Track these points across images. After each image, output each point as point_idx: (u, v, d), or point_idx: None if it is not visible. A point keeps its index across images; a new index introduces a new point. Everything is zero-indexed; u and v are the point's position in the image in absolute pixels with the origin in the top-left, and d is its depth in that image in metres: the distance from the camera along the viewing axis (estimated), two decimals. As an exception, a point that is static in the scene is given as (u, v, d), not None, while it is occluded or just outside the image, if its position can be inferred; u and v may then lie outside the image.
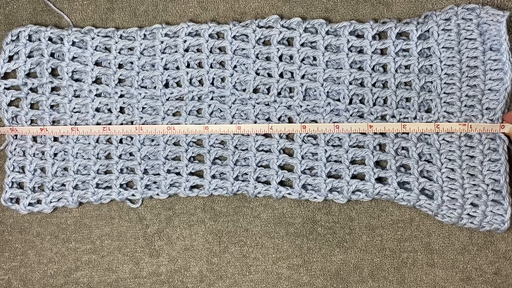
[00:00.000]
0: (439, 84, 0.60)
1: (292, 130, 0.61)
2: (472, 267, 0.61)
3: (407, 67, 0.61)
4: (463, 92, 0.60)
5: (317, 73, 0.61)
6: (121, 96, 0.62)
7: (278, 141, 0.61)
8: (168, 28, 0.62)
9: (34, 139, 0.62)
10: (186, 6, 0.64)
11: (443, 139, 0.60)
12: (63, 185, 0.62)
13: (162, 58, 0.61)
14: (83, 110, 0.62)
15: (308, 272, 0.62)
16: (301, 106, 0.61)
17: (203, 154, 0.61)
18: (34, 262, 0.63)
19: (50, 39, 0.62)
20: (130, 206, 0.62)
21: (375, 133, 0.60)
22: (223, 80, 0.62)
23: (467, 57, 0.60)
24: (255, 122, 0.61)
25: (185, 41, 0.61)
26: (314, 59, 0.62)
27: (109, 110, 0.62)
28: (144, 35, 0.62)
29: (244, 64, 0.61)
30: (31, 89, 0.62)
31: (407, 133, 0.60)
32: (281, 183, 0.61)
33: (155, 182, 0.62)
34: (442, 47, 0.60)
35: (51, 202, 0.61)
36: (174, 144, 0.62)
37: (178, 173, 0.61)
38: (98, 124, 0.62)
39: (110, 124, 0.62)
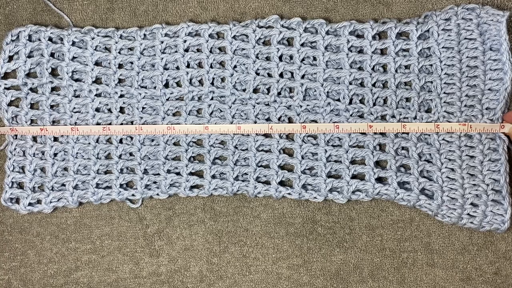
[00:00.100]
0: (439, 84, 0.60)
1: (292, 130, 0.61)
2: (472, 267, 0.61)
3: (407, 67, 0.61)
4: (463, 92, 0.60)
5: (317, 73, 0.61)
6: (121, 96, 0.62)
7: (278, 141, 0.61)
8: (168, 28, 0.62)
9: (34, 139, 0.62)
10: (186, 6, 0.64)
11: (443, 139, 0.60)
12: (63, 185, 0.62)
13: (162, 58, 0.61)
14: (83, 110, 0.62)
15: (308, 272, 0.62)
16: (301, 106, 0.61)
17: (203, 154, 0.61)
18: (34, 262, 0.63)
19: (50, 39, 0.62)
20: (130, 206, 0.62)
21: (375, 133, 0.60)
22: (223, 80, 0.62)
23: (467, 57, 0.60)
24: (255, 122, 0.61)
25: (185, 41, 0.61)
26: (314, 59, 0.62)
27: (109, 110, 0.62)
28: (144, 35, 0.62)
29: (244, 64, 0.61)
30: (31, 89, 0.62)
31: (407, 133, 0.60)
32: (281, 183, 0.61)
33: (155, 182, 0.62)
34: (442, 47, 0.60)
35: (51, 202, 0.61)
36: (174, 144, 0.62)
37: (178, 173, 0.61)
38: (98, 124, 0.62)
39: (110, 124, 0.62)
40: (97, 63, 0.62)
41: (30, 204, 0.61)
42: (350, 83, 0.61)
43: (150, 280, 0.62)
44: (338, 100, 0.61)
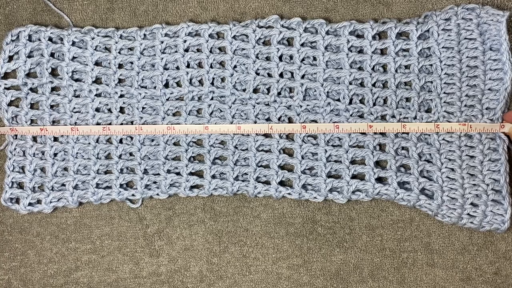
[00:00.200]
0: (439, 84, 0.60)
1: (292, 130, 0.61)
2: (472, 267, 0.61)
3: (407, 67, 0.61)
4: (463, 92, 0.60)
5: (317, 73, 0.61)
6: (121, 96, 0.62)
7: (278, 141, 0.61)
8: (168, 28, 0.62)
9: (34, 139, 0.62)
10: (186, 6, 0.64)
11: (443, 139, 0.60)
12: (63, 185, 0.62)
13: (162, 58, 0.61)
14: (83, 110, 0.62)
15: (308, 272, 0.62)
16: (301, 106, 0.61)
17: (203, 154, 0.61)
18: (34, 262, 0.63)
19: (50, 39, 0.62)
20: (130, 206, 0.62)
21: (375, 133, 0.60)
22: (223, 80, 0.62)
23: (467, 57, 0.60)
24: (255, 122, 0.61)
25: (185, 41, 0.61)
26: (314, 59, 0.62)
27: (109, 110, 0.62)
28: (144, 35, 0.62)
29: (244, 64, 0.61)
30: (31, 89, 0.62)
31: (407, 133, 0.60)
32: (281, 183, 0.61)
33: (155, 182, 0.62)
34: (442, 47, 0.60)
35: (51, 202, 0.61)
36: (174, 144, 0.62)
37: (178, 173, 0.61)
38: (98, 124, 0.62)
39: (110, 124, 0.62)
40: (97, 63, 0.62)
41: (30, 204, 0.61)
42: (350, 83, 0.61)
43: (150, 280, 0.62)
44: (338, 100, 0.61)
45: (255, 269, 0.62)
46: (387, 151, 0.60)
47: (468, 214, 0.58)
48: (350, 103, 0.61)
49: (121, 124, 0.62)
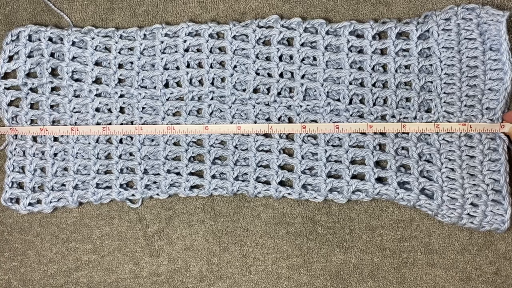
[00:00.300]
0: (439, 84, 0.60)
1: (292, 130, 0.61)
2: (472, 267, 0.61)
3: (407, 67, 0.61)
4: (463, 92, 0.60)
5: (317, 73, 0.61)
6: (121, 96, 0.62)
7: (278, 141, 0.61)
8: (168, 28, 0.62)
9: (34, 139, 0.62)
10: (186, 6, 0.64)
11: (443, 139, 0.60)
12: (63, 185, 0.62)
13: (162, 58, 0.61)
14: (83, 110, 0.62)
15: (308, 272, 0.62)
16: (301, 106, 0.61)
17: (203, 154, 0.61)
18: (34, 262, 0.63)
19: (50, 39, 0.62)
20: (130, 206, 0.62)
21: (375, 133, 0.60)
22: (223, 80, 0.62)
23: (467, 57, 0.60)
24: (255, 122, 0.61)
25: (185, 41, 0.61)
26: (314, 59, 0.62)
27: (109, 110, 0.62)
28: (144, 35, 0.62)
29: (244, 64, 0.61)
30: (31, 89, 0.62)
31: (407, 133, 0.60)
32: (281, 183, 0.61)
33: (155, 182, 0.62)
34: (442, 47, 0.60)
35: (51, 202, 0.61)
36: (174, 144, 0.62)
37: (178, 173, 0.61)
38: (98, 124, 0.62)
39: (110, 124, 0.62)
40: (97, 63, 0.62)
41: (30, 204, 0.61)
42: (350, 83, 0.61)
43: (150, 280, 0.62)
44: (338, 100, 0.61)
45: (255, 269, 0.62)
46: (387, 151, 0.60)
47: (468, 214, 0.58)
48: (350, 103, 0.61)
49: (121, 124, 0.62)
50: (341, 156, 0.60)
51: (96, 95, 0.62)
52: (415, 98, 0.60)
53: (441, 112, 0.60)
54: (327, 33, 0.61)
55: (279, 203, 0.62)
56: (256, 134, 0.61)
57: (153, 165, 0.61)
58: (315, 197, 0.60)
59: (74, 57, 0.62)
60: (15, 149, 0.62)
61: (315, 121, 0.61)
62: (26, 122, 0.62)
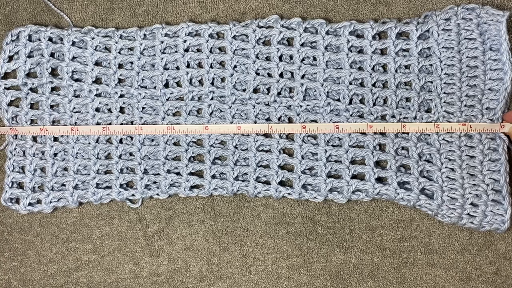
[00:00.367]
0: (439, 84, 0.60)
1: (292, 130, 0.61)
2: (472, 267, 0.61)
3: (407, 67, 0.61)
4: (463, 92, 0.60)
5: (317, 73, 0.61)
6: (121, 96, 0.62)
7: (278, 141, 0.61)
8: (168, 28, 0.62)
9: (34, 139, 0.62)
10: (186, 6, 0.64)
11: (443, 139, 0.60)
12: (63, 185, 0.62)
13: (162, 58, 0.61)
14: (83, 110, 0.62)
15: (308, 272, 0.62)
16: (301, 106, 0.61)
17: (203, 154, 0.61)
18: (34, 262, 0.63)
19: (50, 39, 0.62)
20: (130, 206, 0.62)
21: (375, 133, 0.60)
22: (223, 80, 0.62)
23: (467, 57, 0.60)
24: (255, 122, 0.61)
25: (185, 41, 0.61)
26: (314, 59, 0.62)
27: (109, 110, 0.62)
28: (144, 35, 0.62)
29: (244, 64, 0.61)
30: (31, 89, 0.62)
31: (407, 133, 0.60)
32: (281, 183, 0.61)
33: (155, 182, 0.62)
34: (442, 47, 0.60)
35: (51, 202, 0.61)
36: (174, 144, 0.62)
37: (178, 173, 0.61)
38: (98, 124, 0.62)
39: (110, 124, 0.62)
40: (97, 63, 0.62)
41: (30, 204, 0.61)
42: (350, 83, 0.61)
43: (150, 280, 0.62)
44: (338, 100, 0.61)
45: (255, 269, 0.62)
46: (387, 151, 0.60)
47: (468, 214, 0.58)
48: (350, 103, 0.61)
49: (121, 124, 0.62)
50: (341, 156, 0.60)
51: (96, 95, 0.62)
52: (415, 98, 0.60)
53: (441, 112, 0.60)
54: (327, 33, 0.61)
55: (279, 203, 0.62)
56: (256, 134, 0.61)
57: (153, 165, 0.61)
58: (315, 197, 0.60)
59: (74, 57, 0.62)
60: (15, 149, 0.62)
61: (315, 121, 0.61)
62: (26, 122, 0.62)
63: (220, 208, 0.63)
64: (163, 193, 0.61)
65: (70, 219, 0.63)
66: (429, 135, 0.60)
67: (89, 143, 0.62)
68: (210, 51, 0.62)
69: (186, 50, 0.62)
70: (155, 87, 0.62)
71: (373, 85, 0.61)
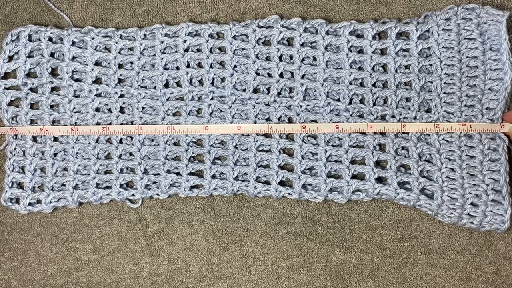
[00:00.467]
0: (439, 84, 0.60)
1: (292, 130, 0.61)
2: (472, 267, 0.61)
3: (407, 67, 0.61)
4: (463, 92, 0.60)
5: (317, 73, 0.61)
6: (121, 96, 0.62)
7: (278, 141, 0.61)
8: (168, 28, 0.62)
9: (34, 139, 0.62)
10: (186, 6, 0.64)
11: (443, 139, 0.60)
12: (63, 185, 0.62)
13: (162, 58, 0.61)
14: (83, 110, 0.62)
15: (308, 272, 0.62)
16: (301, 106, 0.61)
17: (203, 154, 0.61)
18: (34, 262, 0.63)
19: (50, 39, 0.62)
20: (130, 206, 0.62)
21: (375, 133, 0.60)
22: (223, 80, 0.62)
23: (467, 57, 0.60)
24: (255, 122, 0.61)
25: (185, 41, 0.61)
26: (314, 59, 0.62)
27: (109, 110, 0.62)
28: (144, 35, 0.62)
29: (244, 64, 0.61)
30: (31, 89, 0.62)
31: (407, 133, 0.60)
32: (281, 183, 0.61)
33: (155, 182, 0.62)
34: (442, 47, 0.60)
35: (51, 202, 0.61)
36: (174, 144, 0.62)
37: (178, 173, 0.61)
38: (98, 124, 0.62)
39: (110, 124, 0.62)
40: (97, 63, 0.62)
41: (30, 204, 0.61)
42: (350, 83, 0.61)
43: (150, 280, 0.62)
44: (338, 100, 0.61)
45: (255, 269, 0.62)
46: (387, 151, 0.60)
47: (468, 214, 0.58)
48: (350, 103, 0.61)
49: (121, 124, 0.62)
50: (341, 156, 0.60)
51: (96, 95, 0.62)
52: (415, 98, 0.60)
53: (441, 112, 0.60)
54: (327, 33, 0.61)
55: (279, 203, 0.62)
56: (256, 134, 0.61)
57: (153, 165, 0.61)
58: (315, 197, 0.60)
59: (74, 57, 0.62)
60: (15, 149, 0.62)
61: (315, 121, 0.61)
62: (26, 122, 0.62)
63: (220, 208, 0.63)
64: (163, 193, 0.61)
65: (70, 219, 0.63)
66: (429, 135, 0.60)
67: (89, 143, 0.62)
68: (210, 51, 0.62)
69: (186, 50, 0.62)
70: (155, 87, 0.62)
71: (373, 85, 0.61)
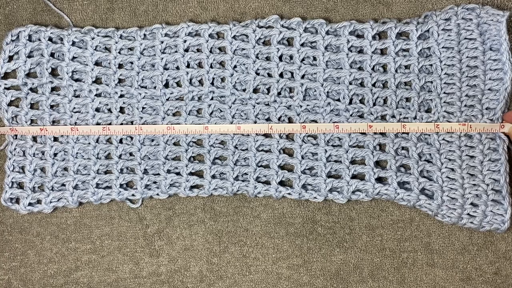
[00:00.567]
0: (439, 84, 0.60)
1: (292, 130, 0.61)
2: (472, 267, 0.61)
3: (407, 67, 0.61)
4: (463, 92, 0.60)
5: (317, 73, 0.61)
6: (121, 96, 0.62)
7: (278, 141, 0.61)
8: (168, 28, 0.62)
9: (34, 139, 0.62)
10: (186, 6, 0.64)
11: (443, 139, 0.60)
12: (63, 185, 0.62)
13: (162, 58, 0.61)
14: (83, 110, 0.62)
15: (308, 272, 0.62)
16: (301, 106, 0.61)
17: (203, 154, 0.61)
18: (34, 262, 0.63)
19: (50, 39, 0.62)
20: (130, 206, 0.62)
21: (375, 133, 0.60)
22: (223, 80, 0.62)
23: (467, 57, 0.60)
24: (255, 122, 0.61)
25: (185, 41, 0.61)
26: (314, 59, 0.62)
27: (109, 110, 0.62)
28: (144, 35, 0.62)
29: (244, 64, 0.61)
30: (31, 89, 0.62)
31: (407, 133, 0.60)
32: (281, 183, 0.61)
33: (155, 182, 0.62)
34: (442, 47, 0.60)
35: (51, 202, 0.61)
36: (174, 144, 0.62)
37: (178, 173, 0.61)
38: (98, 124, 0.62)
39: (110, 124, 0.62)
40: (97, 63, 0.62)
41: (30, 204, 0.61)
42: (350, 83, 0.61)
43: (150, 280, 0.62)
44: (338, 100, 0.61)
45: (255, 269, 0.62)
46: (387, 151, 0.60)
47: (468, 214, 0.58)
48: (350, 103, 0.61)
49: (121, 124, 0.62)
50: (341, 156, 0.60)
51: (96, 95, 0.62)
52: (415, 98, 0.60)
53: (441, 112, 0.60)
54: (327, 33, 0.61)
55: (279, 203, 0.62)
56: (256, 134, 0.61)
57: (153, 165, 0.61)
58: (315, 197, 0.60)
59: (74, 57, 0.62)
60: (15, 149, 0.62)
61: (315, 121, 0.61)
62: (26, 122, 0.62)
63: (220, 208, 0.63)
64: (163, 193, 0.61)
65: (70, 219, 0.63)
66: (429, 135, 0.60)
67: (89, 143, 0.62)
68: (210, 51, 0.62)
69: (186, 50, 0.62)
70: (155, 87, 0.62)
71: (373, 85, 0.61)
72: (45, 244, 0.63)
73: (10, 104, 0.62)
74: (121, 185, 0.61)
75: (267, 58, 0.62)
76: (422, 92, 0.60)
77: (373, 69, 0.61)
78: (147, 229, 0.63)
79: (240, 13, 0.63)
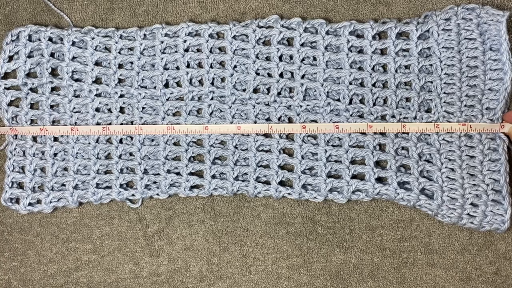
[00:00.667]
0: (439, 84, 0.60)
1: (292, 130, 0.61)
2: (472, 267, 0.61)
3: (407, 67, 0.61)
4: (463, 92, 0.60)
5: (317, 73, 0.61)
6: (121, 96, 0.62)
7: (278, 141, 0.61)
8: (168, 28, 0.62)
9: (34, 139, 0.62)
10: (186, 6, 0.64)
11: (443, 139, 0.60)
12: (63, 185, 0.62)
13: (162, 58, 0.61)
14: (83, 110, 0.62)
15: (308, 272, 0.62)
16: (301, 106, 0.61)
17: (203, 154, 0.61)
18: (34, 262, 0.63)
19: (50, 39, 0.62)
20: (130, 206, 0.62)
21: (375, 133, 0.60)
22: (223, 80, 0.62)
23: (467, 57, 0.60)
24: (255, 122, 0.61)
25: (185, 41, 0.61)
26: (314, 59, 0.62)
27: (109, 110, 0.62)
28: (144, 35, 0.62)
29: (244, 64, 0.61)
30: (31, 89, 0.62)
31: (407, 133, 0.60)
32: (281, 183, 0.61)
33: (155, 182, 0.62)
34: (442, 47, 0.60)
35: (51, 202, 0.61)
36: (174, 144, 0.62)
37: (178, 173, 0.61)
38: (98, 124, 0.62)
39: (110, 124, 0.62)
40: (97, 63, 0.62)
41: (30, 204, 0.61)
42: (350, 83, 0.61)
43: (150, 280, 0.62)
44: (338, 100, 0.61)
45: (255, 269, 0.62)
46: (387, 151, 0.60)
47: (468, 214, 0.58)
48: (350, 103, 0.61)
49: (121, 124, 0.62)
50: (341, 156, 0.60)
51: (96, 95, 0.62)
52: (415, 98, 0.60)
53: (441, 112, 0.60)
54: (327, 33, 0.61)
55: (279, 203, 0.62)
56: (256, 134, 0.61)
57: (153, 165, 0.61)
58: (315, 197, 0.60)
59: (74, 57, 0.62)
60: (15, 149, 0.62)
61: (315, 121, 0.61)
62: (26, 122, 0.62)
63: (220, 208, 0.63)
64: (163, 193, 0.61)
65: (70, 219, 0.63)
66: (429, 135, 0.60)
67: (89, 143, 0.62)
68: (210, 51, 0.62)
69: (186, 50, 0.62)
70: (155, 87, 0.62)
71: (373, 85, 0.61)
72: (45, 244, 0.63)
73: (10, 104, 0.62)
74: (121, 185, 0.61)
75: (267, 58, 0.62)
76: (422, 92, 0.60)
77: (373, 69, 0.61)
78: (147, 229, 0.63)
79: (240, 13, 0.63)
